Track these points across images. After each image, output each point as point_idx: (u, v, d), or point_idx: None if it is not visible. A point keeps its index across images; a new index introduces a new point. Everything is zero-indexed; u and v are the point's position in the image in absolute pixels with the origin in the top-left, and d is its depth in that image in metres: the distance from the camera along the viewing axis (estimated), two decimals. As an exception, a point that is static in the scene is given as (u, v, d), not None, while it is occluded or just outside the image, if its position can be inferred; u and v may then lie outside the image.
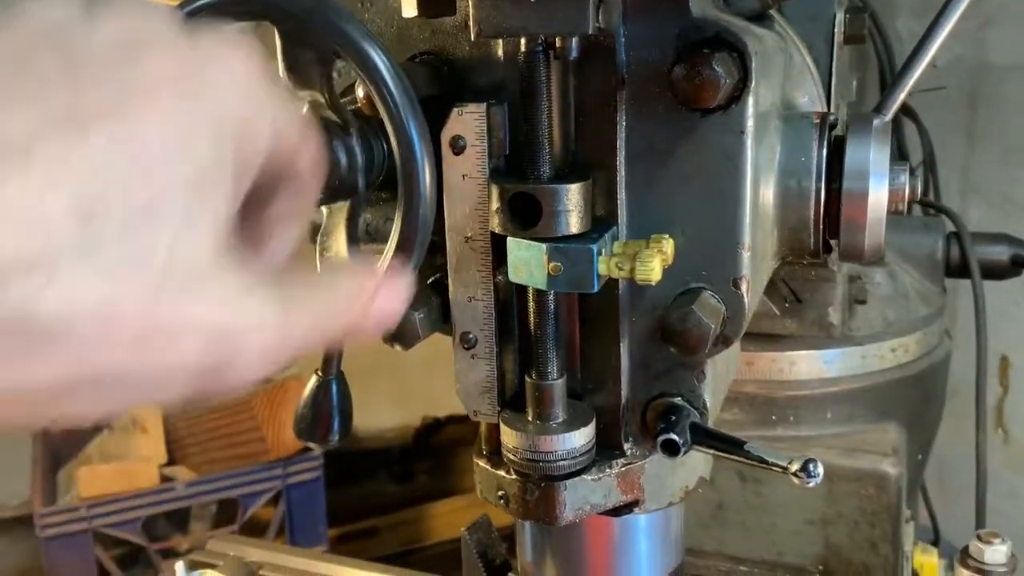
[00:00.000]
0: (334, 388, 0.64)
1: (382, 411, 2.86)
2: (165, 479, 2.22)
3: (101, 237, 0.33)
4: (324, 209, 0.59)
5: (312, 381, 0.67)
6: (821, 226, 0.63)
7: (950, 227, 1.32)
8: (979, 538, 0.79)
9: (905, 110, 1.63)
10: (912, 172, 0.65)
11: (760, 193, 0.60)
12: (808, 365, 1.14)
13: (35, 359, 0.32)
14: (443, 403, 2.83)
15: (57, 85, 0.33)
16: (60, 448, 2.46)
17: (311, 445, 0.67)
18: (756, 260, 0.58)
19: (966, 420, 1.34)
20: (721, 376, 0.63)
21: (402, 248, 0.50)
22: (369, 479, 2.72)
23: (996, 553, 0.77)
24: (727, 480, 1.15)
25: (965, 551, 0.81)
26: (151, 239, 0.34)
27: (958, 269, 1.30)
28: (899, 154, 1.58)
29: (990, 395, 2.02)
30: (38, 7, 0.36)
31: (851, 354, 1.15)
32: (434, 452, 2.76)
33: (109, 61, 0.35)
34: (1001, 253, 1.31)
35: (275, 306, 0.39)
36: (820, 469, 0.52)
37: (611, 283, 0.57)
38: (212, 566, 1.09)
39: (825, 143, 0.63)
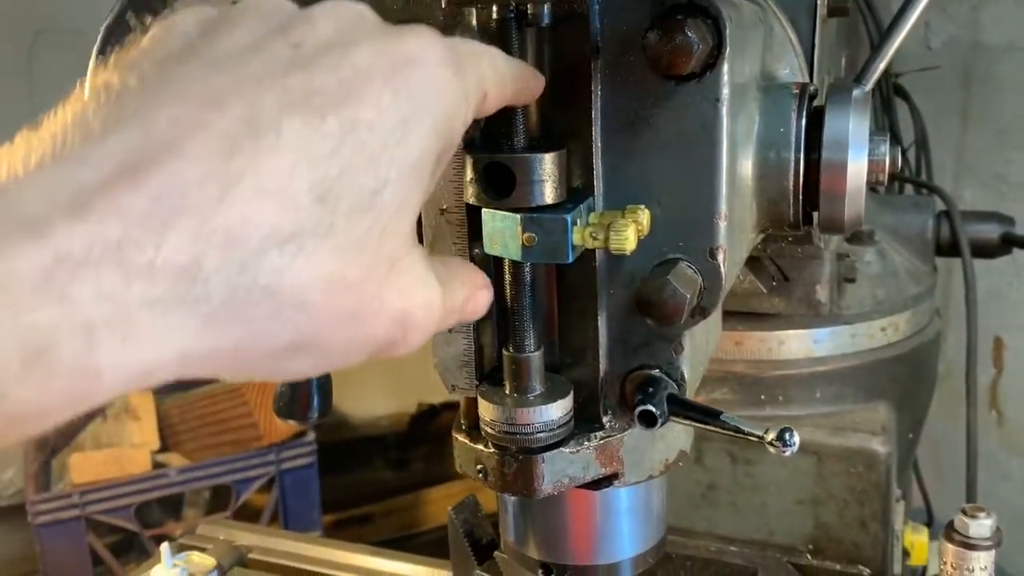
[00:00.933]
0: None
1: (377, 398, 2.86)
2: (158, 465, 2.23)
3: (334, 218, 0.36)
4: None
5: None
6: (801, 197, 0.63)
7: (941, 206, 1.32)
8: (964, 512, 0.79)
9: (898, 90, 1.62)
10: (894, 143, 0.65)
11: (739, 164, 0.59)
12: (797, 344, 1.13)
13: (277, 322, 0.36)
14: (438, 389, 2.82)
15: (291, 71, 0.37)
16: (53, 436, 2.46)
17: (292, 423, 0.66)
18: (734, 231, 0.58)
19: (960, 401, 1.34)
20: (700, 348, 0.63)
21: None
22: (364, 466, 2.72)
23: (980, 527, 0.77)
24: (718, 460, 1.15)
25: (950, 526, 0.80)
26: (370, 224, 0.38)
27: (948, 248, 1.30)
28: (891, 134, 1.57)
29: (984, 376, 2.02)
30: (261, 1, 0.41)
31: (840, 333, 1.14)
32: (429, 438, 2.76)
33: (329, 53, 0.38)
34: (991, 231, 1.31)
35: (438, 291, 0.44)
36: (796, 438, 0.52)
37: (588, 255, 0.57)
38: (201, 550, 1.09)
39: (804, 113, 0.63)
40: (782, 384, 1.13)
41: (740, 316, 1.10)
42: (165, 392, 2.46)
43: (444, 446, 2.87)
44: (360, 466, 2.71)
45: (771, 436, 0.52)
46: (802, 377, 1.13)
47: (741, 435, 0.54)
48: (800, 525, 1.14)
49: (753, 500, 1.15)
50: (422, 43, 0.41)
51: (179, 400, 2.39)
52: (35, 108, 0.40)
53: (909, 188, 1.57)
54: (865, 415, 1.14)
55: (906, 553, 1.25)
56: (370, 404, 2.85)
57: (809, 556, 1.14)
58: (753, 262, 1.05)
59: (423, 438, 2.79)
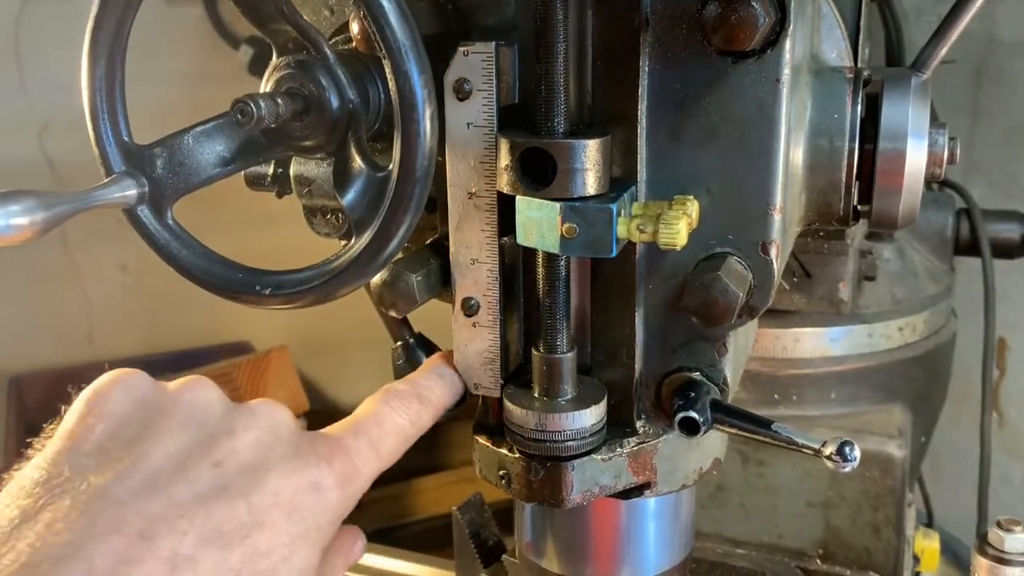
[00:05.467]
0: (418, 350, 0.61)
1: (368, 384, 2.81)
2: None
3: None
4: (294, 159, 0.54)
5: (394, 356, 0.63)
6: (853, 190, 0.58)
7: (960, 204, 1.28)
8: (999, 525, 0.75)
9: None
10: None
11: (790, 158, 0.55)
12: (813, 343, 1.10)
13: None
14: (430, 377, 2.78)
15: (211, 498, 0.44)
16: (35, 418, 2.40)
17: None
18: (786, 223, 0.54)
19: (961, 403, 1.31)
20: (742, 350, 0.58)
21: (398, 201, 0.44)
22: (354, 453, 2.67)
23: (1017, 541, 0.73)
24: (728, 460, 1.10)
25: (984, 539, 0.77)
26: None
27: (967, 247, 1.26)
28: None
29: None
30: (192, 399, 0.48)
31: (858, 332, 1.11)
32: (421, 426, 2.70)
33: (245, 476, 0.45)
34: (1012, 231, 1.27)
35: None
36: (857, 452, 0.48)
37: (628, 247, 0.52)
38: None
39: (859, 100, 0.58)
40: (797, 383, 1.09)
41: (756, 312, 1.06)
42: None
43: (437, 434, 2.83)
44: (349, 453, 2.65)
45: (830, 450, 0.48)
46: (818, 377, 1.09)
47: (795, 448, 0.50)
48: (810, 529, 1.11)
49: (763, 502, 1.12)
50: (324, 468, 0.48)
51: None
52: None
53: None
54: (881, 417, 1.10)
55: (916, 559, 1.22)
56: (362, 390, 2.80)
57: (819, 561, 1.11)
58: (775, 257, 1.01)
59: (414, 426, 2.74)
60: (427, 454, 2.66)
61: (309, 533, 0.47)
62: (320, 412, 2.49)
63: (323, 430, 0.52)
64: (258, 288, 0.50)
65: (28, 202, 0.43)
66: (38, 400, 2.42)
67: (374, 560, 1.11)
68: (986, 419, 1.29)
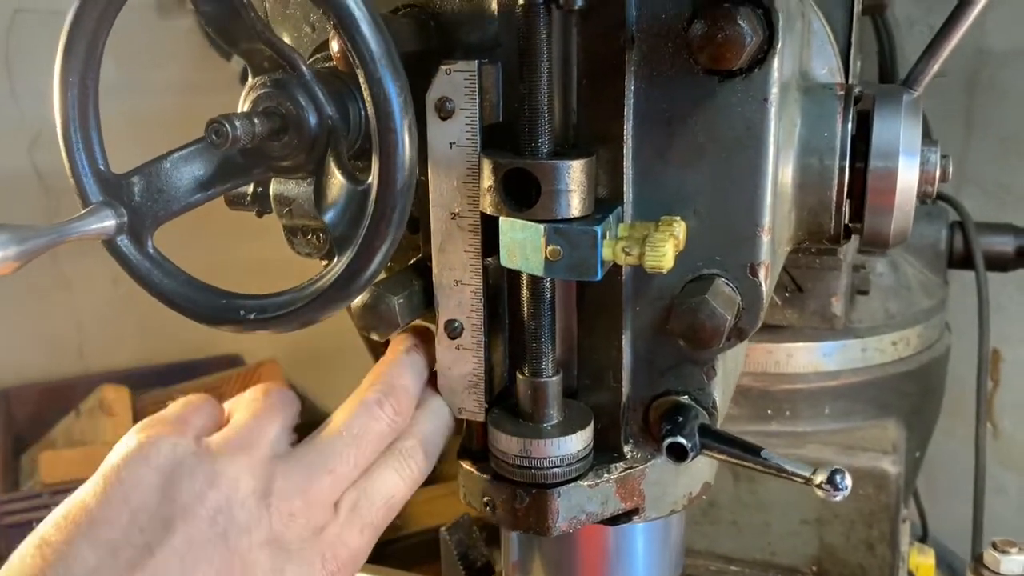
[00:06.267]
0: None
1: (360, 396, 2.79)
2: (133, 464, 2.14)
3: None
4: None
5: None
6: (844, 208, 0.57)
7: (953, 216, 1.27)
8: (994, 546, 0.74)
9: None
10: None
11: (779, 177, 0.54)
12: (806, 357, 1.09)
13: None
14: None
15: None
16: (24, 431, 2.38)
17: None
18: (775, 245, 0.52)
19: (955, 415, 1.31)
20: (731, 372, 0.57)
21: (380, 215, 0.43)
22: (345, 465, 2.65)
23: (1013, 563, 0.72)
24: (719, 477, 1.09)
25: (979, 560, 0.76)
26: None
27: (961, 260, 1.25)
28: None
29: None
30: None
31: (851, 347, 1.10)
32: (413, 438, 2.68)
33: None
34: (1006, 244, 1.26)
35: None
36: (848, 481, 0.47)
37: (614, 269, 0.51)
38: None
39: (850, 118, 0.57)
40: (790, 399, 1.08)
41: (749, 327, 1.05)
42: (142, 387, 2.38)
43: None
44: (341, 465, 2.64)
45: (820, 478, 0.47)
46: (810, 392, 1.08)
47: (784, 475, 0.48)
48: (804, 546, 1.10)
49: (755, 519, 1.11)
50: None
51: (157, 396, 2.31)
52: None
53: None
54: (874, 433, 1.09)
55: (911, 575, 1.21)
56: (353, 402, 2.78)
57: (813, 578, 1.10)
58: (767, 272, 1.00)
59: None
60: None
61: None
62: (310, 425, 2.47)
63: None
64: (242, 313, 0.49)
65: (1, 236, 0.42)
66: (28, 413, 2.40)
67: (363, 579, 1.09)
68: (981, 431, 1.28)
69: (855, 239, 1.12)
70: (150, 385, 2.37)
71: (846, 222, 0.59)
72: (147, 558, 0.47)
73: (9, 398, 2.45)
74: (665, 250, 0.45)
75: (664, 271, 0.45)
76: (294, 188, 0.54)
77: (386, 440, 0.55)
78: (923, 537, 1.50)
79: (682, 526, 0.63)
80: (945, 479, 1.58)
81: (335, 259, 0.47)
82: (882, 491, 1.05)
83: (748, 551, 1.11)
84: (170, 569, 0.47)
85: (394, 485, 0.54)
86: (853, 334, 1.09)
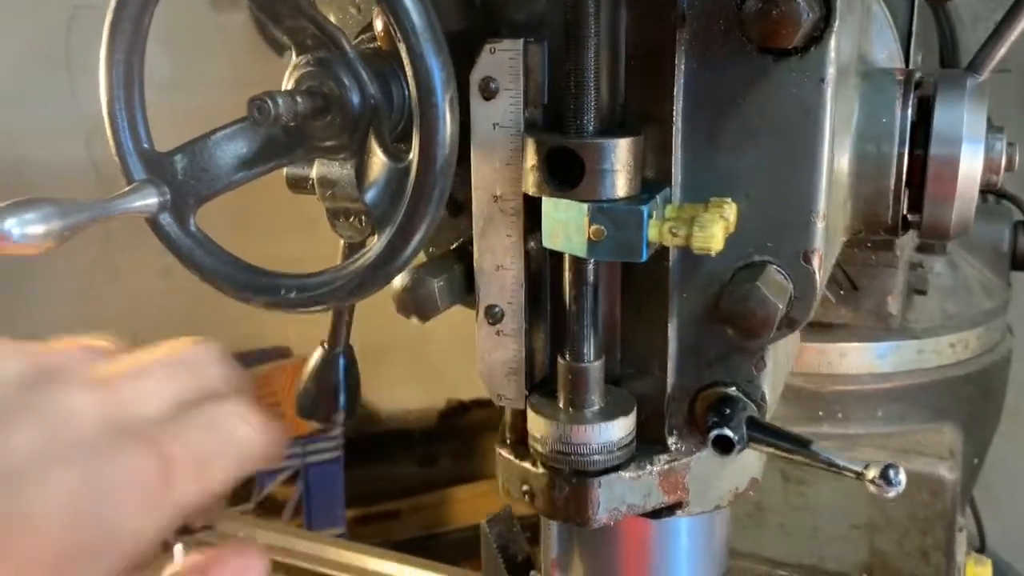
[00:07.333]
0: (340, 362, 0.58)
1: (405, 391, 2.80)
2: (181, 453, 2.18)
3: None
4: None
5: (317, 353, 0.61)
6: (902, 198, 0.55)
7: (1017, 216, 1.23)
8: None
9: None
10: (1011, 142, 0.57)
11: (836, 158, 0.52)
12: (859, 358, 1.05)
13: None
14: (468, 386, 2.77)
15: None
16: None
17: (316, 424, 0.60)
18: (829, 233, 0.51)
19: (1016, 422, 1.26)
20: (781, 366, 0.55)
21: (419, 191, 0.43)
22: (390, 461, 2.67)
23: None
24: (768, 478, 1.07)
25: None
26: None
27: (1024, 261, 1.21)
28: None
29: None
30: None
31: (906, 348, 1.06)
32: (458, 436, 2.70)
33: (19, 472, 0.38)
34: (1073, 244, 1.22)
35: None
36: (902, 477, 0.45)
37: (661, 253, 0.50)
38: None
39: (910, 104, 0.55)
40: (842, 400, 1.05)
41: (800, 325, 1.03)
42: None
43: (473, 444, 2.81)
44: (386, 460, 2.65)
45: (872, 473, 0.45)
46: (864, 393, 1.05)
47: (835, 470, 0.47)
48: (854, 552, 1.07)
49: (804, 522, 1.08)
50: (123, 475, 0.41)
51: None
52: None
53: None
54: (931, 437, 1.06)
55: (967, 586, 1.17)
56: (398, 397, 2.79)
57: (863, 586, 1.07)
58: (820, 268, 0.98)
59: (451, 435, 2.73)
60: (462, 464, 2.65)
61: (107, 540, 0.40)
62: (358, 418, 2.49)
63: None
64: (282, 292, 0.49)
65: (45, 210, 0.42)
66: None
67: (406, 572, 1.09)
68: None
69: (912, 234, 1.09)
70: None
71: (904, 213, 0.57)
72: None
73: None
74: (714, 231, 0.43)
75: (713, 253, 0.44)
76: (337, 170, 0.53)
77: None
78: (980, 548, 1.45)
79: (727, 524, 0.61)
80: (1005, 488, 1.53)
81: (376, 237, 0.46)
82: (937, 498, 1.01)
83: (796, 555, 1.08)
84: None
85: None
86: (909, 335, 1.05)
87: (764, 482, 1.07)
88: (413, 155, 0.43)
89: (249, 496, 2.17)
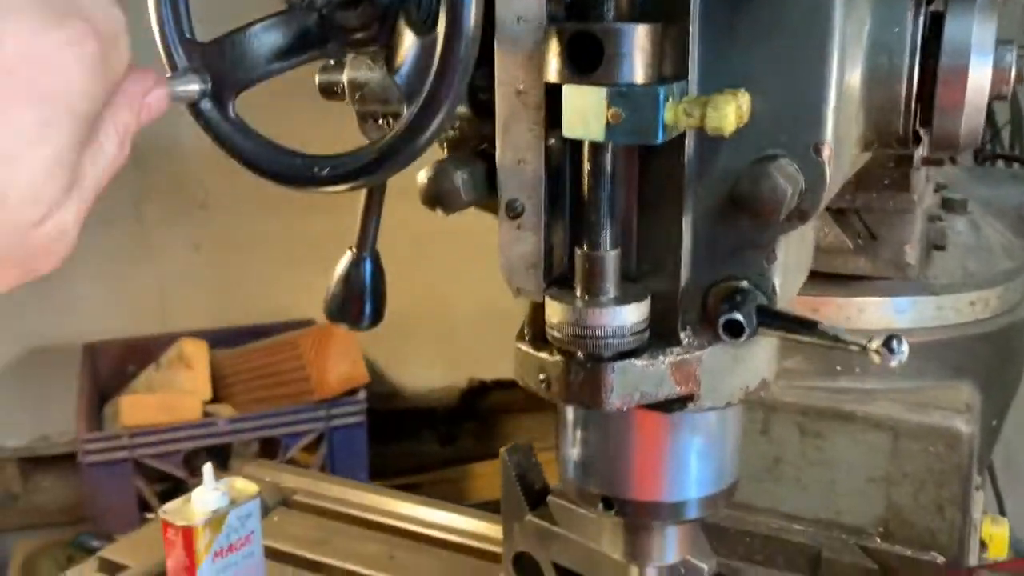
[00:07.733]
0: (367, 265, 0.60)
1: (428, 370, 2.83)
2: (208, 415, 2.22)
3: None
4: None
5: (345, 257, 0.63)
6: (913, 107, 0.57)
7: (1040, 182, 1.24)
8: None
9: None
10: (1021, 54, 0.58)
11: (847, 68, 0.54)
12: (878, 313, 1.06)
13: None
14: (491, 366, 2.80)
15: None
16: (107, 383, 2.48)
17: (343, 326, 0.63)
18: (840, 133, 0.52)
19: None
20: (791, 267, 0.57)
21: (445, 62, 0.45)
22: (412, 438, 2.70)
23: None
24: (785, 432, 1.08)
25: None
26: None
27: (1046, 224, 1.21)
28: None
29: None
30: None
31: (925, 304, 1.06)
32: (479, 415, 2.73)
33: None
34: (1095, 208, 1.22)
35: None
36: (904, 347, 0.46)
37: (677, 146, 0.52)
38: (244, 485, 1.07)
39: (921, 16, 0.56)
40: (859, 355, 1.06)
41: (818, 277, 1.03)
42: (220, 343, 2.46)
43: (493, 424, 2.84)
44: (408, 437, 2.69)
45: (876, 344, 0.47)
46: (882, 349, 1.05)
47: (840, 345, 0.48)
48: (870, 506, 1.07)
49: (821, 476, 1.08)
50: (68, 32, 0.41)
51: (233, 353, 2.39)
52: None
53: (1000, 163, 1.48)
54: (948, 393, 1.06)
55: (983, 545, 1.17)
56: (422, 375, 2.82)
57: (879, 539, 1.06)
58: (839, 216, 0.99)
59: (473, 414, 2.76)
60: (483, 443, 2.67)
61: (68, 102, 0.40)
62: (379, 393, 2.52)
63: None
64: (315, 171, 0.51)
65: None
66: (111, 367, 2.51)
67: (424, 512, 1.11)
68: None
69: (930, 183, 1.09)
70: (228, 342, 2.45)
71: (916, 127, 0.59)
72: None
73: (95, 352, 2.56)
74: (727, 112, 0.45)
75: (725, 134, 0.46)
76: (366, 73, 0.56)
77: None
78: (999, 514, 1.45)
79: (738, 431, 0.63)
80: (1021, 456, 1.53)
81: (404, 111, 0.48)
82: (953, 450, 1.01)
83: (812, 510, 1.08)
84: None
85: None
86: (928, 290, 1.05)
87: (782, 436, 1.08)
88: (440, 27, 0.46)
89: (274, 457, 2.21)
